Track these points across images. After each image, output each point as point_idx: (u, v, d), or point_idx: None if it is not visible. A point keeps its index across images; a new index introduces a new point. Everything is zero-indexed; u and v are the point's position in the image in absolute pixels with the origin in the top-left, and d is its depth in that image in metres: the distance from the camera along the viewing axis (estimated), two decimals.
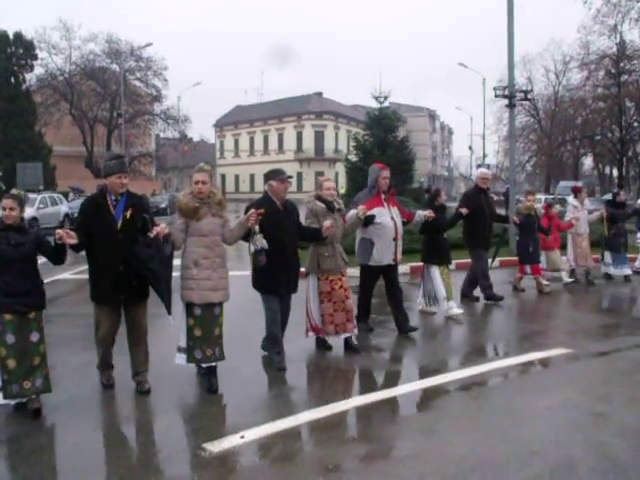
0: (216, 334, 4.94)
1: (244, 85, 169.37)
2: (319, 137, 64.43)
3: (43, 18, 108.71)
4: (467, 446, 3.94)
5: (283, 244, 5.43)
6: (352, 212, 6.42)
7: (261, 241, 5.07)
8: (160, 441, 4.22)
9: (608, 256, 11.06)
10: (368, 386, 5.29)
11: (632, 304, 9.58)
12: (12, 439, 4.13)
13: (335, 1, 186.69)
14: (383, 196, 6.78)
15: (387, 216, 6.69)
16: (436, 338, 7.25)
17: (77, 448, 4.00)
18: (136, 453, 3.98)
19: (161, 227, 4.65)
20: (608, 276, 11.06)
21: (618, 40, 36.73)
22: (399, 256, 6.87)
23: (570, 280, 10.47)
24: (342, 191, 28.82)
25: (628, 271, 10.92)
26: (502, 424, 4.40)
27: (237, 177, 67.48)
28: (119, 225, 4.71)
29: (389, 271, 6.85)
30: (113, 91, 46.19)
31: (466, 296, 9.01)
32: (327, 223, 5.70)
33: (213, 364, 4.98)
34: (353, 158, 19.67)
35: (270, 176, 5.66)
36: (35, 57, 39.11)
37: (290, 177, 5.73)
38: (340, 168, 45.60)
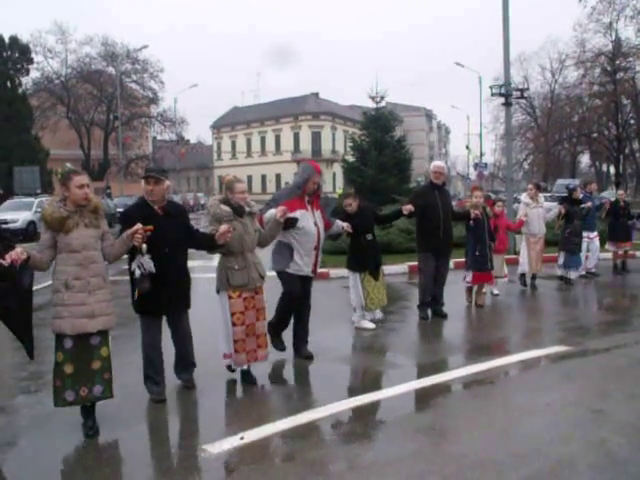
0: (93, 368, 4.15)
1: (241, 86, 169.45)
2: (316, 138, 64.41)
3: (38, 21, 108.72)
4: (467, 444, 3.94)
5: (161, 256, 4.55)
6: (271, 211, 5.53)
7: (148, 263, 4.43)
8: (160, 443, 4.22)
9: (563, 257, 10.37)
10: (367, 386, 5.29)
11: (625, 303, 9.59)
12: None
13: (331, 1, 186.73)
14: (307, 198, 5.91)
15: (310, 221, 5.85)
16: (434, 337, 7.25)
17: (77, 450, 4.00)
18: (136, 455, 3.97)
19: (17, 252, 3.79)
20: (566, 279, 10.33)
21: (613, 38, 36.85)
22: (318, 268, 6.12)
23: (497, 293, 9.31)
24: (339, 191, 28.75)
25: (575, 274, 10.34)
26: (502, 422, 4.41)
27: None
28: None
29: (304, 282, 6.01)
30: (109, 94, 46.14)
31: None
32: (223, 227, 4.79)
33: (89, 404, 4.23)
34: (350, 159, 19.64)
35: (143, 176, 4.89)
36: (31, 61, 39.22)
37: (152, 176, 4.73)
38: (337, 169, 45.60)
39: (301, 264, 5.85)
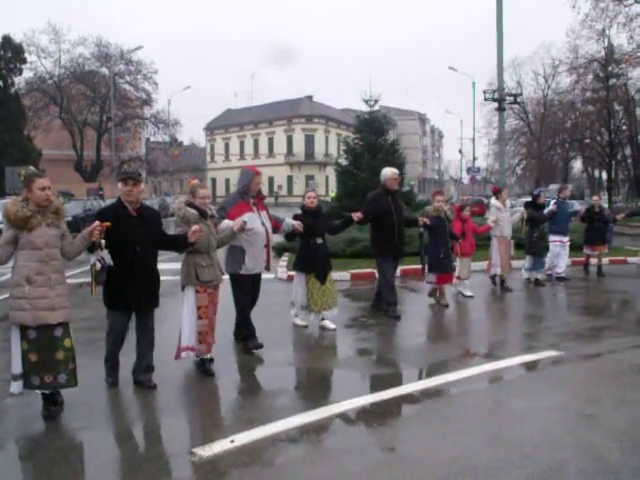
0: (58, 358, 4.39)
1: (235, 88, 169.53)
2: (309, 141, 64.54)
3: (32, 21, 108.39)
4: (457, 449, 3.93)
5: (132, 254, 4.90)
6: (226, 222, 5.99)
7: (107, 257, 4.68)
8: (150, 446, 4.19)
9: (530, 260, 10.67)
10: (358, 390, 5.26)
11: (621, 306, 9.62)
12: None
13: (325, 6, 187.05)
14: (252, 200, 6.36)
15: (258, 221, 6.27)
16: (425, 340, 7.25)
17: (65, 453, 3.97)
18: (125, 457, 3.94)
19: None
20: (537, 281, 10.64)
21: (606, 44, 37.07)
22: (271, 263, 6.62)
23: (470, 294, 9.44)
24: (332, 195, 28.78)
25: (541, 275, 10.71)
26: (492, 427, 4.40)
27: (227, 181, 67.34)
28: None
29: (255, 278, 6.47)
30: (103, 95, 46.05)
31: (375, 308, 8.25)
32: (194, 227, 5.19)
33: (54, 391, 4.50)
34: (343, 162, 19.60)
35: (118, 178, 5.37)
36: (24, 61, 39.03)
37: (132, 177, 5.09)
38: (330, 172, 45.62)
39: (253, 265, 6.27)
